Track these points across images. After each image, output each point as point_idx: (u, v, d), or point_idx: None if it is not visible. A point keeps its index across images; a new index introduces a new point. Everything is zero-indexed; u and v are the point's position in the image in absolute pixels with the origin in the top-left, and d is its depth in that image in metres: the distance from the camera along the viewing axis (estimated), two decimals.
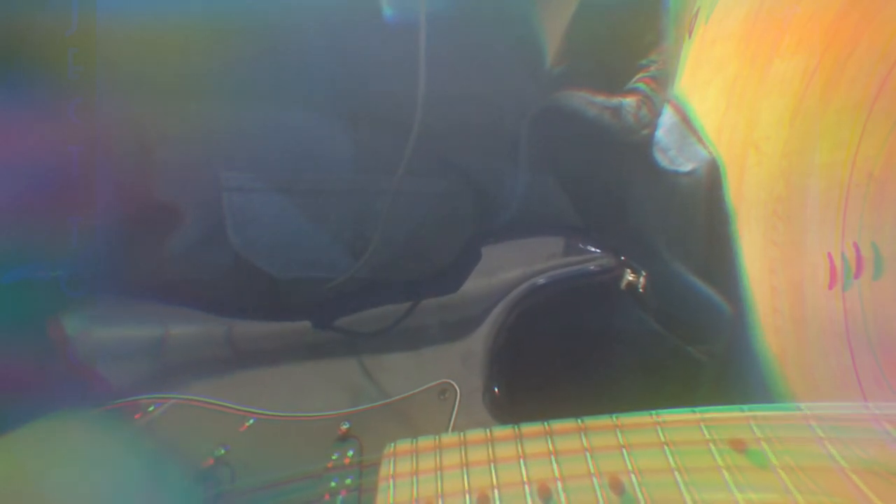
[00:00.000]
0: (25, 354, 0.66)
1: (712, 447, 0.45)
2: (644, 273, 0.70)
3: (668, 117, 0.70)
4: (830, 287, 0.53)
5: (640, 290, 0.70)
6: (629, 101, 0.68)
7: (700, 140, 0.69)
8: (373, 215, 0.70)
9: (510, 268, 0.72)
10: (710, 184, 0.67)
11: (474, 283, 0.73)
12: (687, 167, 0.68)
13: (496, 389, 0.66)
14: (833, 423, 0.44)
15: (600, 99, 0.69)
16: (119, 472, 0.59)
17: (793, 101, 0.58)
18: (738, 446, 0.44)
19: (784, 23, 0.59)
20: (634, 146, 0.70)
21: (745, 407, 0.47)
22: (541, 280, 0.71)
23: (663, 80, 0.69)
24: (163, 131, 0.70)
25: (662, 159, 0.70)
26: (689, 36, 0.69)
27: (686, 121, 0.70)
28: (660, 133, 0.69)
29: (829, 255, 0.53)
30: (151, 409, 0.66)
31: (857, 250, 0.51)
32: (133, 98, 0.68)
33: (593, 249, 0.73)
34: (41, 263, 0.70)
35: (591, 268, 0.71)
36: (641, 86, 0.69)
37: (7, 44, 0.62)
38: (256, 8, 0.65)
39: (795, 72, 0.58)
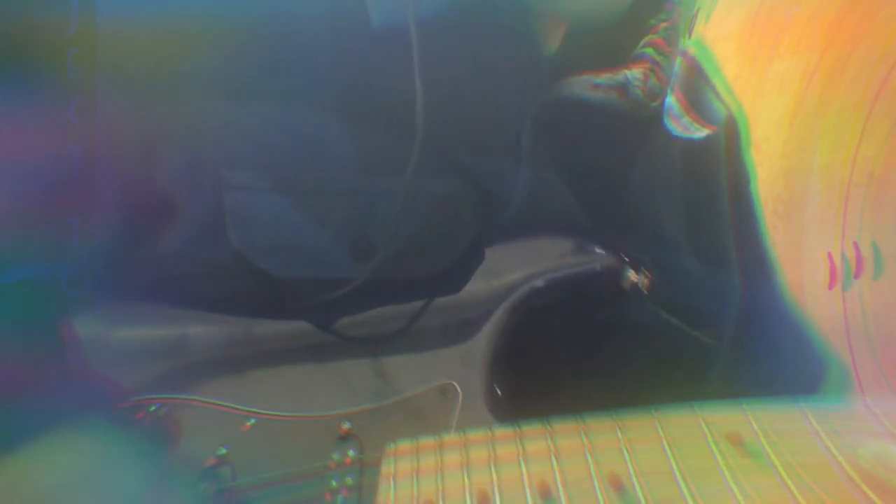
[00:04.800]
0: (25, 355, 0.66)
1: (712, 445, 0.45)
2: (647, 271, 0.70)
3: (680, 77, 0.66)
4: (830, 287, 0.53)
5: (644, 291, 0.69)
6: (636, 72, 0.66)
7: (717, 95, 0.64)
8: (378, 216, 0.70)
9: (513, 268, 0.72)
10: (728, 144, 0.63)
11: (476, 284, 0.73)
12: (703, 132, 0.64)
13: (497, 389, 0.66)
14: (832, 420, 0.44)
15: (604, 78, 0.67)
16: (124, 485, 0.59)
17: (793, 101, 0.58)
18: (738, 444, 0.45)
19: (784, 23, 0.59)
20: (645, 122, 0.67)
21: (744, 403, 0.47)
22: (542, 280, 0.71)
23: (674, 37, 0.65)
24: (163, 131, 0.70)
25: (676, 127, 0.66)
26: (689, 36, 0.69)
27: (701, 75, 0.65)
28: (672, 99, 0.65)
29: (829, 255, 0.53)
30: (153, 409, 0.66)
31: (857, 250, 0.51)
32: (133, 98, 0.68)
33: (596, 249, 0.73)
34: (41, 263, 0.69)
35: (594, 267, 0.71)
36: (649, 51, 0.65)
37: (7, 44, 0.62)
38: (257, 8, 0.65)
39: (795, 72, 0.58)
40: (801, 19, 0.58)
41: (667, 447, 0.45)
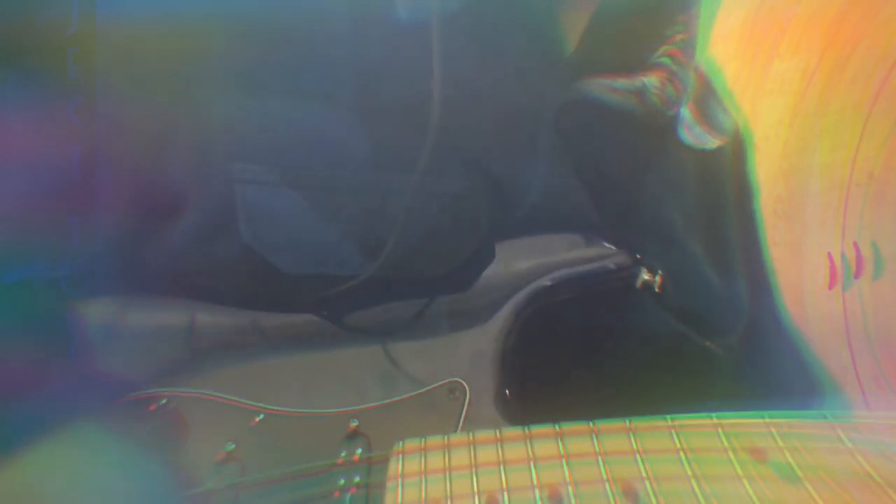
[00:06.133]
0: (25, 355, 0.66)
1: (731, 455, 0.44)
2: (660, 271, 0.70)
3: (694, 89, 0.67)
4: (830, 287, 0.54)
5: (657, 290, 0.69)
6: (653, 79, 0.66)
7: (726, 109, 0.65)
8: (387, 214, 0.70)
9: (525, 266, 0.73)
10: (735, 157, 0.64)
11: (488, 282, 0.73)
12: (714, 143, 0.65)
13: (506, 389, 0.67)
14: (860, 431, 0.44)
15: (622, 83, 0.67)
16: (131, 482, 0.60)
17: (793, 101, 0.58)
18: (760, 455, 0.44)
19: (784, 23, 0.59)
20: (661, 129, 0.67)
21: (765, 413, 0.47)
22: (553, 279, 0.71)
23: (690, 48, 0.65)
24: (163, 131, 0.69)
25: (688, 137, 0.67)
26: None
27: (712, 89, 0.66)
28: (686, 109, 0.67)
29: (829, 255, 0.54)
30: (161, 403, 0.66)
31: (857, 250, 0.52)
32: (133, 98, 0.67)
33: (609, 246, 0.73)
34: (41, 263, 0.69)
35: (606, 266, 0.72)
36: (665, 60, 0.66)
37: (7, 44, 0.61)
38: (261, 5, 0.65)
39: (795, 72, 0.58)
40: (801, 19, 0.58)
41: (682, 455, 0.45)
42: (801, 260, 0.57)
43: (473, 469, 0.48)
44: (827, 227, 0.54)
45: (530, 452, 0.48)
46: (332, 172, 0.71)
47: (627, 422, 0.48)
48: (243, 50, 0.67)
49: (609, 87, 0.67)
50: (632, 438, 0.47)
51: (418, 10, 0.62)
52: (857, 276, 0.52)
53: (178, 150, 0.70)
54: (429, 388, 0.67)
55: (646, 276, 0.71)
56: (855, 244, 0.52)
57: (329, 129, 0.71)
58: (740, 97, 0.64)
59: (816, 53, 0.56)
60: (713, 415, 0.47)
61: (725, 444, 0.45)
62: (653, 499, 0.43)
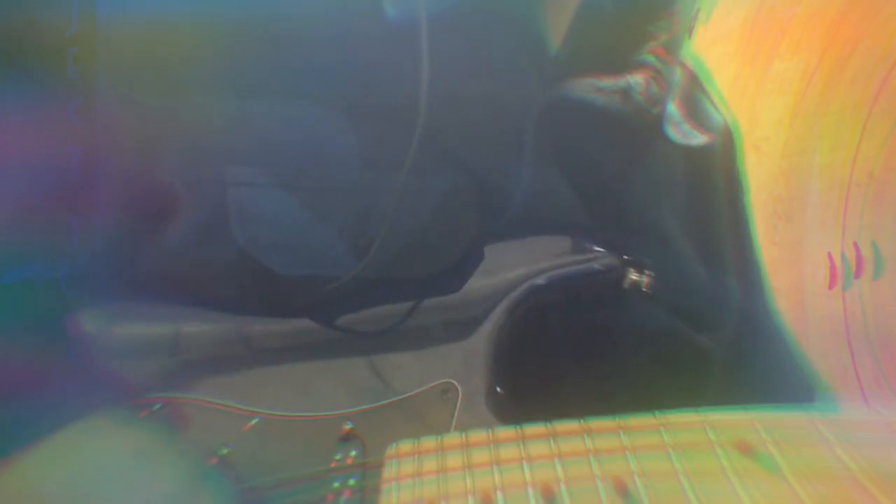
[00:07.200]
0: (25, 355, 0.66)
1: (718, 450, 0.44)
2: (648, 271, 0.70)
3: (680, 85, 0.67)
4: (830, 287, 0.53)
5: (644, 290, 0.69)
6: (638, 79, 0.66)
7: (714, 104, 0.65)
8: (377, 213, 0.70)
9: (514, 266, 0.73)
10: (725, 154, 0.64)
11: (478, 282, 0.73)
12: (701, 139, 0.65)
13: (498, 389, 0.67)
14: (842, 427, 0.44)
15: (607, 82, 0.67)
16: (126, 484, 0.59)
17: (793, 101, 0.58)
18: (745, 449, 0.44)
19: (784, 23, 0.59)
20: (647, 128, 0.68)
21: (750, 409, 0.47)
22: (544, 279, 0.71)
23: (675, 46, 0.66)
24: (163, 131, 0.70)
25: (675, 134, 0.67)
26: (689, 36, 0.69)
27: (698, 84, 0.66)
28: (672, 105, 0.67)
29: (829, 255, 0.54)
30: (156, 408, 0.66)
31: (857, 250, 0.51)
32: (133, 98, 0.68)
33: (597, 248, 0.73)
34: (41, 263, 0.70)
35: (595, 267, 0.72)
36: (650, 58, 0.66)
37: (7, 44, 0.62)
38: (258, 6, 0.65)
39: (795, 72, 0.58)
40: (801, 19, 0.58)
41: (672, 452, 0.45)
42: (801, 260, 0.57)
43: (467, 470, 0.48)
44: (827, 227, 0.54)
45: (523, 452, 0.48)
46: (329, 173, 0.71)
47: (618, 420, 0.48)
48: (243, 50, 0.67)
49: (594, 88, 0.67)
50: (622, 436, 0.47)
51: (406, 11, 0.62)
52: (857, 276, 0.51)
53: (178, 150, 0.70)
54: (422, 389, 0.66)
55: (634, 275, 0.71)
56: (855, 244, 0.51)
57: (329, 131, 0.71)
58: (740, 97, 0.64)
59: (816, 53, 0.56)
60: (701, 411, 0.48)
61: (713, 439, 0.45)
62: (643, 494, 0.43)
